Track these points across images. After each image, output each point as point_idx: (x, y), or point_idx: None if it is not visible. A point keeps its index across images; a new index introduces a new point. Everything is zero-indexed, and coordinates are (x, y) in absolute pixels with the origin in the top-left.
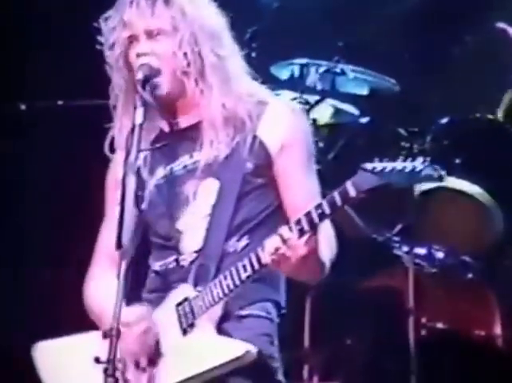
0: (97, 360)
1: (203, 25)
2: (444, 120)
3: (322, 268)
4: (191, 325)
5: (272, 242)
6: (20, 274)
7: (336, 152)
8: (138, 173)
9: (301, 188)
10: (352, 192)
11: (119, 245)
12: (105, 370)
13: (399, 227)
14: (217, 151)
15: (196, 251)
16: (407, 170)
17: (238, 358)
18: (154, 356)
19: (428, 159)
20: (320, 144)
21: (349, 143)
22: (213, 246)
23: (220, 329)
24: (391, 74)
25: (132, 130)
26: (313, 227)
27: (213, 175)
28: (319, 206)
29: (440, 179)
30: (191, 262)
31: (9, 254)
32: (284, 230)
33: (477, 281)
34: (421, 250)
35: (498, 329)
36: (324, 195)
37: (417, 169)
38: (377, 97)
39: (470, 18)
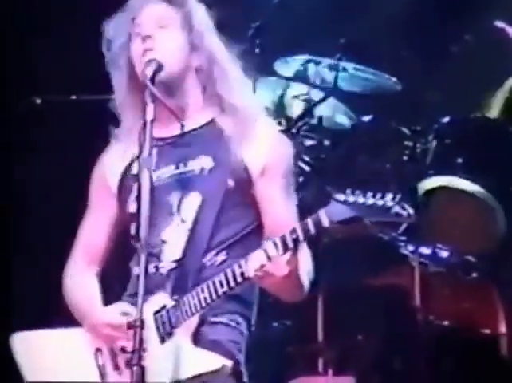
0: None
1: (210, 26)
2: (446, 119)
3: (302, 289)
4: (169, 334)
5: (257, 258)
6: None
7: (339, 151)
8: (124, 176)
9: (279, 212)
10: (326, 223)
11: (137, 239)
12: (130, 360)
13: (404, 226)
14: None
15: (175, 261)
16: (377, 206)
17: (214, 371)
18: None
19: (399, 196)
20: (326, 142)
21: (352, 141)
22: (192, 258)
23: (194, 336)
24: (393, 73)
25: (144, 126)
26: (286, 251)
27: (196, 189)
28: (293, 231)
29: (409, 217)
30: (170, 270)
31: (30, 246)
32: (269, 245)
33: (481, 280)
34: (426, 250)
35: (502, 328)
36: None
37: (387, 206)
38: (379, 96)
39: (469, 17)
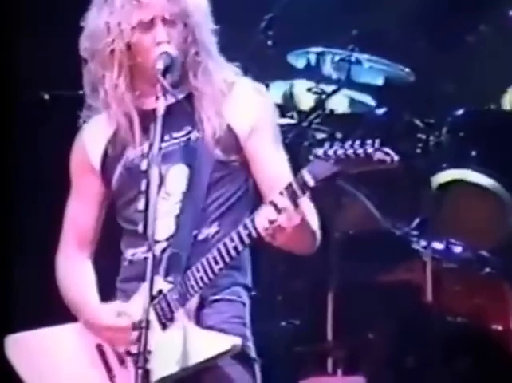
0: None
1: (204, 10)
2: (460, 112)
3: (314, 236)
4: (170, 320)
5: (265, 214)
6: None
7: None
8: (106, 153)
9: (273, 166)
10: (311, 182)
11: (145, 238)
12: (135, 362)
13: (416, 221)
14: (212, 128)
15: (167, 239)
16: (357, 155)
17: (224, 352)
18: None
19: (378, 141)
20: (337, 135)
21: (365, 134)
22: (184, 234)
23: (196, 319)
24: (406, 64)
25: (154, 120)
26: (304, 193)
27: (182, 161)
28: (280, 194)
29: (392, 162)
30: (163, 251)
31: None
32: (277, 198)
33: (495, 276)
34: (439, 245)
35: None
36: None
37: (367, 153)
38: (392, 87)
39: (485, 7)
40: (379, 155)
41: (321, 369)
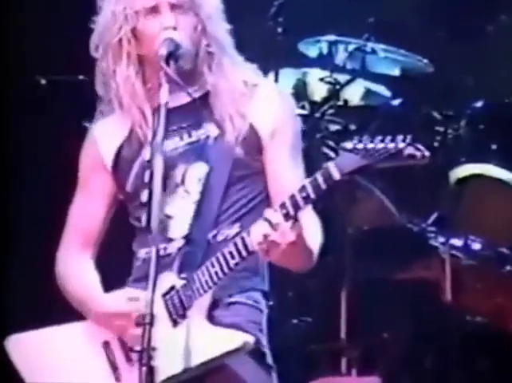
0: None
1: (215, 4)
2: (480, 104)
3: (311, 255)
4: (182, 316)
5: (260, 229)
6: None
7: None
8: (119, 154)
9: (287, 172)
10: (337, 175)
11: (148, 230)
12: (139, 359)
13: (434, 216)
14: (234, 126)
15: (183, 237)
16: (387, 149)
17: (236, 349)
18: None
19: (410, 136)
20: (351, 127)
21: (381, 126)
22: (200, 232)
23: (209, 317)
24: (424, 54)
25: (158, 109)
26: (298, 211)
27: (202, 159)
28: (303, 188)
29: (424, 158)
30: (179, 249)
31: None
32: (270, 214)
33: None
34: (457, 242)
35: None
36: None
37: (398, 148)
38: (409, 78)
39: None
40: (409, 151)
41: (335, 369)
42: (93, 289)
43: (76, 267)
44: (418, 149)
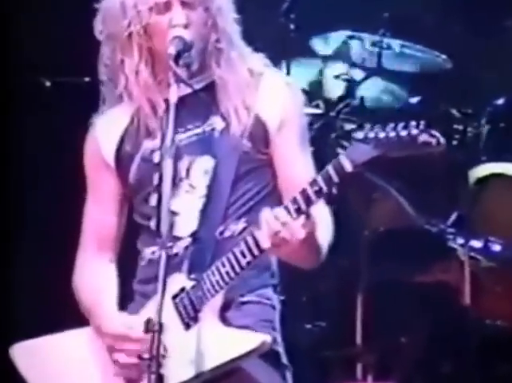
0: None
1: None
2: (500, 101)
3: (320, 252)
4: (194, 319)
5: (270, 225)
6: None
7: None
8: (120, 147)
9: (297, 165)
10: (349, 167)
11: (158, 235)
12: (148, 366)
13: (453, 217)
14: (240, 118)
15: (190, 235)
16: (400, 137)
17: (254, 350)
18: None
19: (423, 123)
20: (367, 125)
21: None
22: (208, 229)
23: (222, 318)
24: (442, 50)
25: (167, 110)
26: (310, 206)
27: (207, 152)
28: (314, 182)
29: (439, 145)
30: (186, 248)
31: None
32: (280, 211)
33: None
34: (477, 243)
35: None
36: None
37: (412, 135)
38: (427, 75)
39: None
40: (424, 138)
41: (350, 375)
42: (105, 305)
43: (90, 276)
44: (432, 136)
